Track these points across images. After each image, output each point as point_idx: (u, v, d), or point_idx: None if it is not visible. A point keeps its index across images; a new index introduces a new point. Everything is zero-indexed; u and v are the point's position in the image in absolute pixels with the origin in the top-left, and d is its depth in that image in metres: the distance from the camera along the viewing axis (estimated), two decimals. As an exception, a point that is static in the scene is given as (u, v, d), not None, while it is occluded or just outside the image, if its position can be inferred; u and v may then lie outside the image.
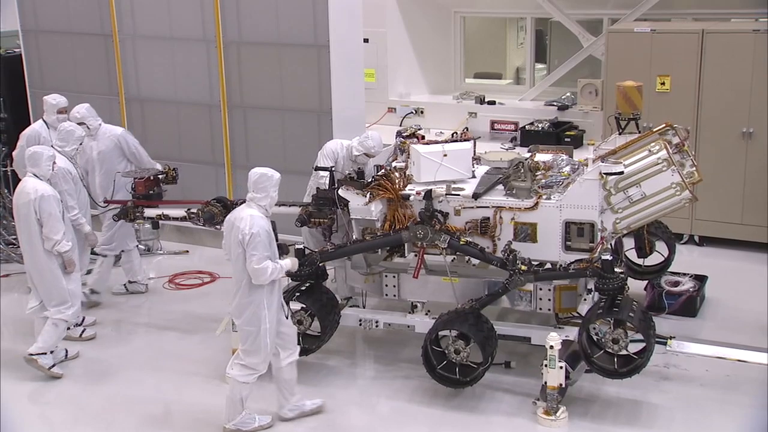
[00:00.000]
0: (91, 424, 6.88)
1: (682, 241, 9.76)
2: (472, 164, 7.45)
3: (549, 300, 7.02)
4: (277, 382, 6.61)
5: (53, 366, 7.44)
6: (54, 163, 7.42)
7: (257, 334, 6.32)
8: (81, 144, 8.32)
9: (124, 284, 9.15)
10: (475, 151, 7.59)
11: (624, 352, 6.51)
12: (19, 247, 7.88)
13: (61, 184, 7.81)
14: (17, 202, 7.32)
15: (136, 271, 9.10)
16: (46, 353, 7.41)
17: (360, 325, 7.40)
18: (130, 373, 7.53)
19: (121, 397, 7.15)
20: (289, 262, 6.52)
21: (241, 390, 6.42)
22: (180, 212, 8.13)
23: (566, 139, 10.65)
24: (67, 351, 7.70)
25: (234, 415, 6.49)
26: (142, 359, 7.77)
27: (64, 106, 9.11)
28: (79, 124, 8.51)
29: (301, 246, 7.43)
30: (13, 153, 9.28)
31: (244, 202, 8.07)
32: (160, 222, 8.41)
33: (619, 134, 7.74)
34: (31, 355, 7.37)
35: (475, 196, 7.05)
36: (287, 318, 6.58)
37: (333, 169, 7.60)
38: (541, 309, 7.07)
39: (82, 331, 8.14)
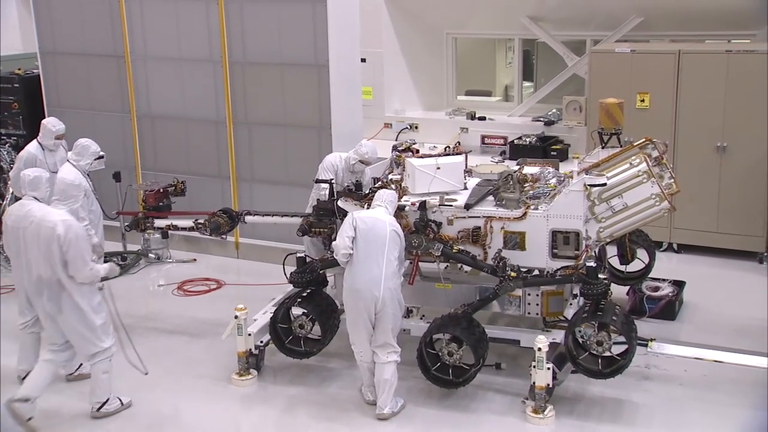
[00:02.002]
0: (98, 426, 6.79)
1: (661, 249, 9.74)
2: (464, 176, 7.44)
3: (537, 305, 7.01)
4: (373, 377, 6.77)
5: (121, 403, 6.88)
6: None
7: (400, 314, 6.65)
8: (97, 159, 8.30)
9: None
10: (466, 164, 7.58)
11: (607, 354, 6.50)
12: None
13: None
14: (18, 226, 6.50)
15: None
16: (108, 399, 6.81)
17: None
18: (139, 376, 7.45)
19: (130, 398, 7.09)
20: None
21: (396, 371, 6.63)
22: (188, 222, 8.13)
23: (552, 153, 10.66)
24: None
25: (388, 400, 6.64)
26: (152, 362, 7.68)
27: (62, 133, 9.04)
28: None
29: (303, 254, 7.40)
30: (10, 173, 9.11)
31: (248, 213, 8.12)
32: (169, 232, 8.42)
33: (602, 148, 7.73)
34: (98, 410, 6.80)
35: (467, 206, 7.03)
36: None
37: (332, 181, 7.58)
38: (529, 313, 7.06)
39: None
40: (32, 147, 9.06)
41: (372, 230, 6.47)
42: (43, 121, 9.14)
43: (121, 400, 6.90)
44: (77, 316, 6.47)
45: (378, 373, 6.64)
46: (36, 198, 6.59)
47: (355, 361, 6.87)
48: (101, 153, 8.51)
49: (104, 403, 6.78)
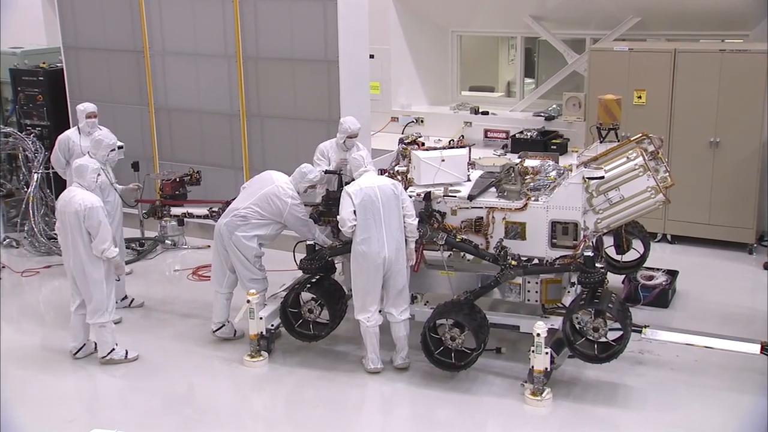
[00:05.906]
0: (114, 405, 6.85)
1: (656, 240, 9.70)
2: (468, 169, 7.42)
3: (536, 292, 6.99)
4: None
5: (126, 353, 7.29)
6: (99, 175, 7.15)
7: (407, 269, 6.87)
8: (113, 150, 8.19)
9: None
10: (470, 157, 7.55)
11: (603, 340, 6.49)
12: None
13: None
14: (63, 210, 6.99)
15: None
16: (113, 349, 7.24)
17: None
18: (156, 356, 7.47)
19: (146, 379, 7.11)
20: None
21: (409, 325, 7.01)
22: (203, 211, 8.11)
23: (552, 147, 10.61)
24: (96, 344, 7.38)
25: (405, 352, 6.98)
26: (168, 343, 7.73)
27: (92, 111, 8.91)
28: None
29: (312, 242, 7.38)
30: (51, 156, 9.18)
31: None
32: (185, 219, 8.40)
33: (600, 142, 7.69)
34: (104, 357, 7.23)
35: (470, 197, 7.01)
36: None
37: (341, 173, 7.56)
38: (528, 300, 7.05)
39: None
40: (70, 130, 9.10)
41: (366, 199, 6.66)
42: (77, 106, 9.12)
43: (95, 344, 7.29)
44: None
45: (395, 331, 6.87)
46: (81, 185, 7.02)
47: (361, 344, 6.86)
48: (120, 143, 8.44)
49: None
